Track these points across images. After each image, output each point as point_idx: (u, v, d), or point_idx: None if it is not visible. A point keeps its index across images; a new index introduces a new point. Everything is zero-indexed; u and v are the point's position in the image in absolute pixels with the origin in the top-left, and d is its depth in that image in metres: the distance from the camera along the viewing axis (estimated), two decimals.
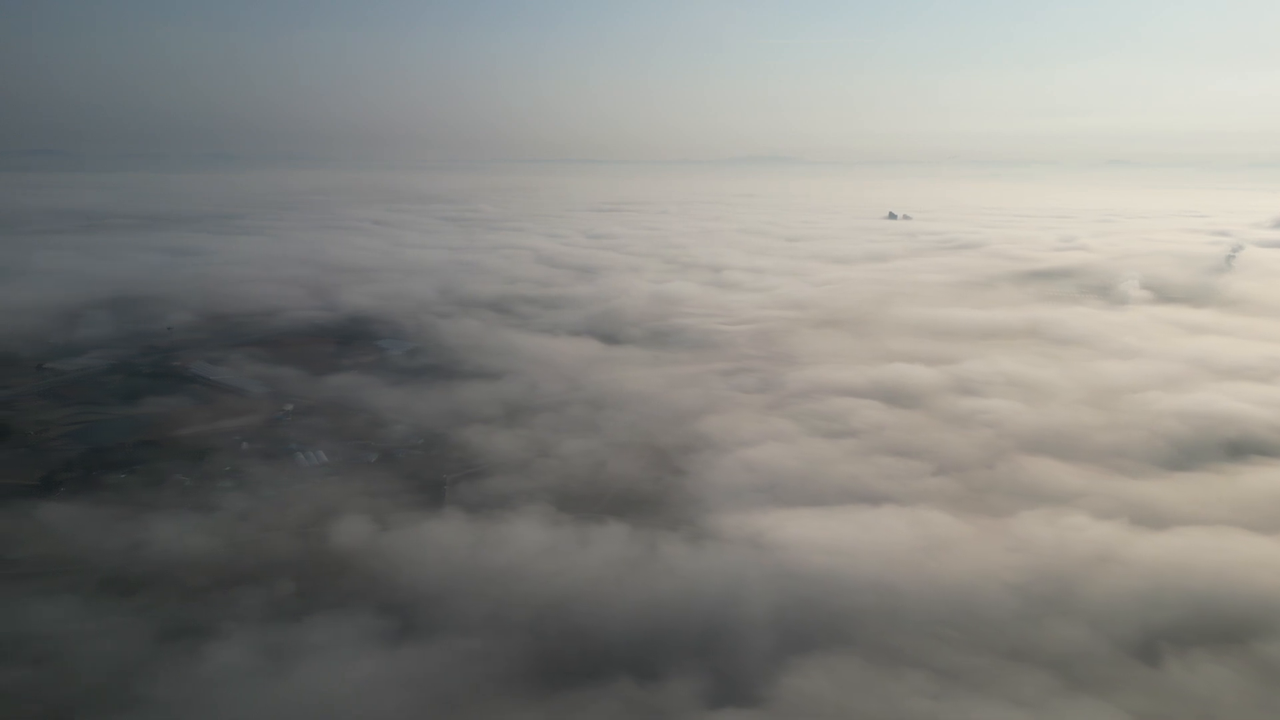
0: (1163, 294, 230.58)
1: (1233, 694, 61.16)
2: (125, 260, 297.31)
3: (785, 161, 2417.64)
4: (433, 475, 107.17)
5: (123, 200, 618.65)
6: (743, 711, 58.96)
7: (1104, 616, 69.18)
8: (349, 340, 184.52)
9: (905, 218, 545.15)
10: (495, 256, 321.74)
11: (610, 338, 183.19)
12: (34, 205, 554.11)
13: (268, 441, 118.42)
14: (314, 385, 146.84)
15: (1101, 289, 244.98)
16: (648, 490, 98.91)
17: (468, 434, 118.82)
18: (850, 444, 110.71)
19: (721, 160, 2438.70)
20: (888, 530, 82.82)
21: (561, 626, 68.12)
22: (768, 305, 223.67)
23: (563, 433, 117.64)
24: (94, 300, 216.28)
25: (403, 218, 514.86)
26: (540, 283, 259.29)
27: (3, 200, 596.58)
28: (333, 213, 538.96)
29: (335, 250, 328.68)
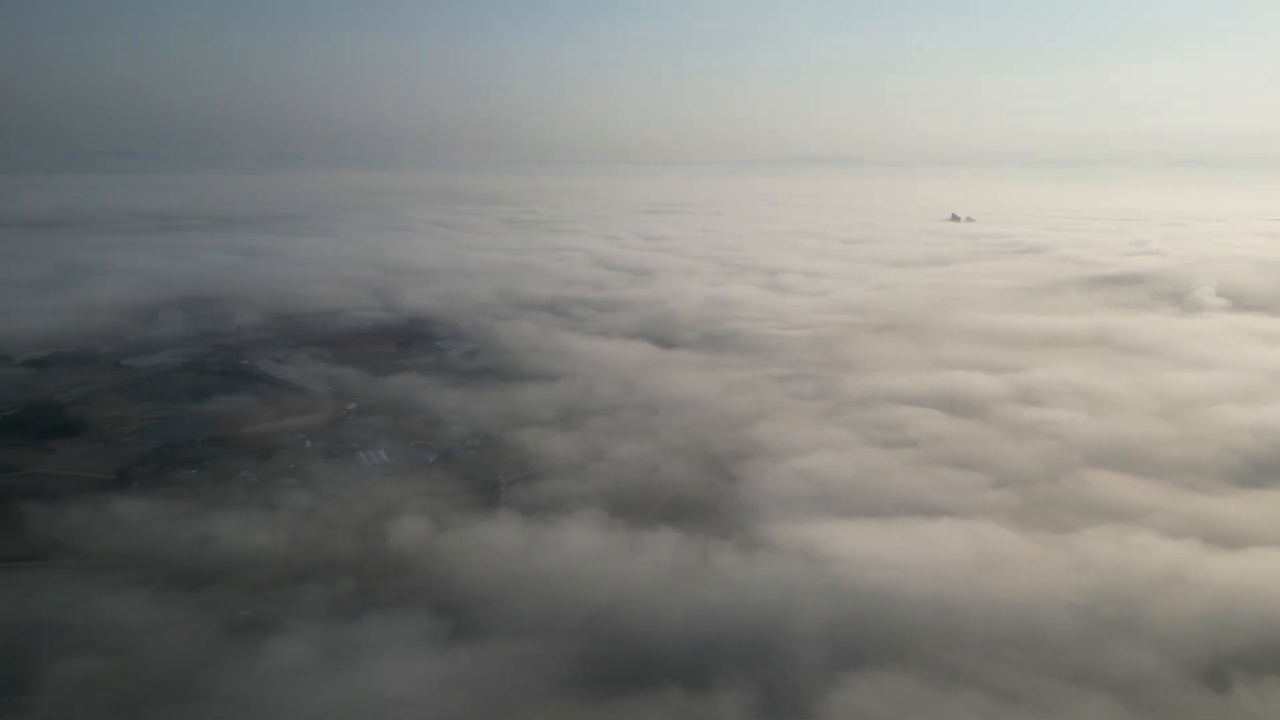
0: (1239, 301, 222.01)
1: None
2: (197, 260, 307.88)
3: (845, 162, 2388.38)
4: (489, 477, 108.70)
5: (196, 201, 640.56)
6: None
7: (1171, 640, 66.74)
8: (409, 341, 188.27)
9: (968, 220, 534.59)
10: (551, 258, 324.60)
11: (664, 341, 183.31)
12: (112, 206, 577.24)
13: (330, 440, 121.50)
14: (375, 385, 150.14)
15: (1174, 295, 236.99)
16: (700, 497, 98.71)
17: (523, 436, 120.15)
18: (907, 454, 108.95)
19: (780, 161, 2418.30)
20: (945, 544, 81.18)
21: (612, 633, 68.38)
22: (824, 309, 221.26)
23: (616, 437, 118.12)
24: (168, 299, 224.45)
25: (463, 219, 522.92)
26: (595, 285, 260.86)
27: (83, 201, 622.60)
28: (395, 214, 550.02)
29: (397, 251, 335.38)
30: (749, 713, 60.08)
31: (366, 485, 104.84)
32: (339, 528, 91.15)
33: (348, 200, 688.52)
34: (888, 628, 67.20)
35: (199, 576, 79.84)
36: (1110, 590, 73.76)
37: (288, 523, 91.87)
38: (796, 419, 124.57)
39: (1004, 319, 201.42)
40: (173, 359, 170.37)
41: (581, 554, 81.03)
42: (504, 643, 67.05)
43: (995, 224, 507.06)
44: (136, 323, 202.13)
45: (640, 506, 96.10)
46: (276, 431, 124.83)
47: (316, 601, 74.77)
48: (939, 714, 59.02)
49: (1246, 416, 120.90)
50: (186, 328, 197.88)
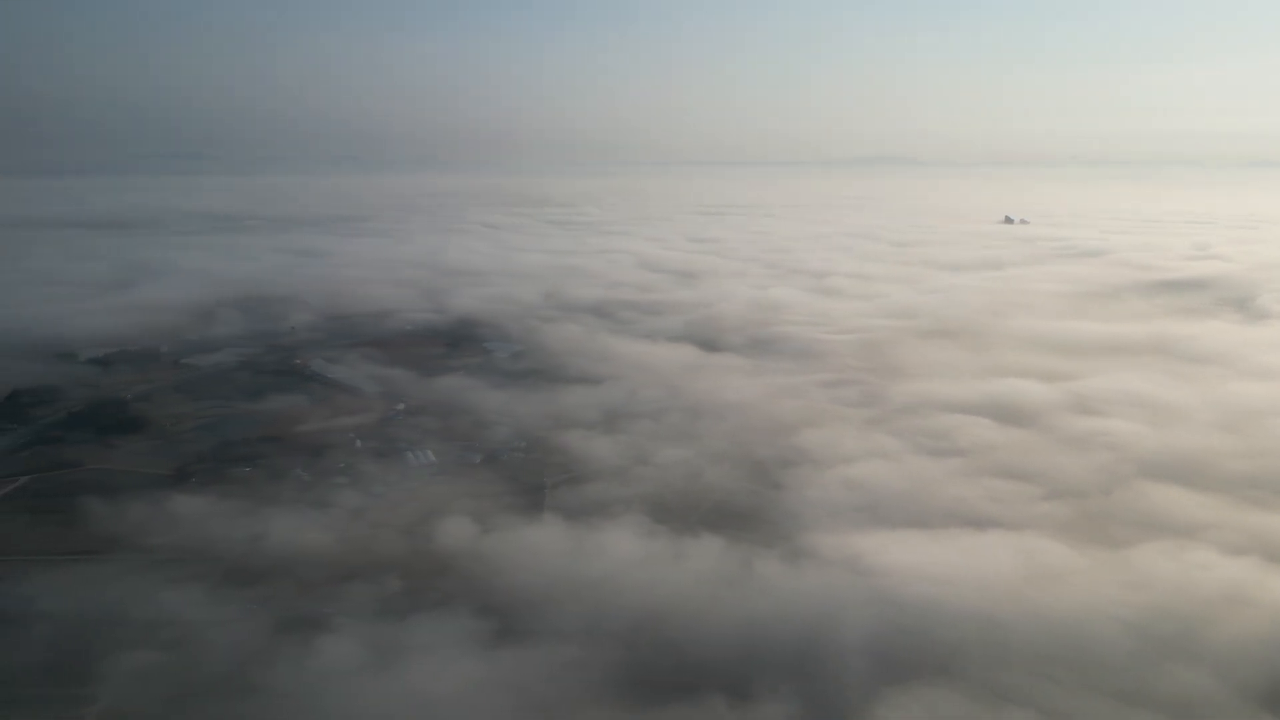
0: None
1: None
2: (256, 260, 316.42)
3: (898, 163, 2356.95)
4: (534, 479, 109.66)
5: (257, 202, 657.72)
6: None
7: (1230, 662, 64.62)
8: (457, 342, 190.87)
9: (1023, 222, 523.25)
10: (599, 260, 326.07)
11: (710, 344, 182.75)
12: (177, 207, 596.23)
13: (380, 440, 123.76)
14: (424, 385, 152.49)
15: (1239, 302, 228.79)
16: (744, 504, 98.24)
17: (568, 438, 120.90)
18: (957, 463, 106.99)
19: (831, 161, 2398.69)
20: (994, 557, 79.54)
21: (655, 639, 68.48)
22: (874, 314, 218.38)
23: (660, 441, 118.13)
24: (226, 299, 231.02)
25: (514, 221, 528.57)
26: (641, 287, 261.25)
27: (150, 202, 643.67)
28: (450, 216, 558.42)
29: (449, 253, 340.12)
30: None
31: (414, 485, 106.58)
32: (387, 527, 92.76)
33: (403, 202, 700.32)
34: (934, 643, 66.18)
35: (253, 573, 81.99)
36: (1166, 608, 71.56)
37: (338, 521, 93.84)
38: (843, 426, 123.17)
39: (1059, 325, 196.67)
40: (230, 358, 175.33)
41: (625, 559, 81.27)
42: (547, 646, 67.60)
43: (1052, 227, 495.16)
44: (196, 322, 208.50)
45: (683, 512, 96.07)
46: (328, 430, 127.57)
47: (365, 600, 76.24)
48: None
49: None
50: (243, 327, 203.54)
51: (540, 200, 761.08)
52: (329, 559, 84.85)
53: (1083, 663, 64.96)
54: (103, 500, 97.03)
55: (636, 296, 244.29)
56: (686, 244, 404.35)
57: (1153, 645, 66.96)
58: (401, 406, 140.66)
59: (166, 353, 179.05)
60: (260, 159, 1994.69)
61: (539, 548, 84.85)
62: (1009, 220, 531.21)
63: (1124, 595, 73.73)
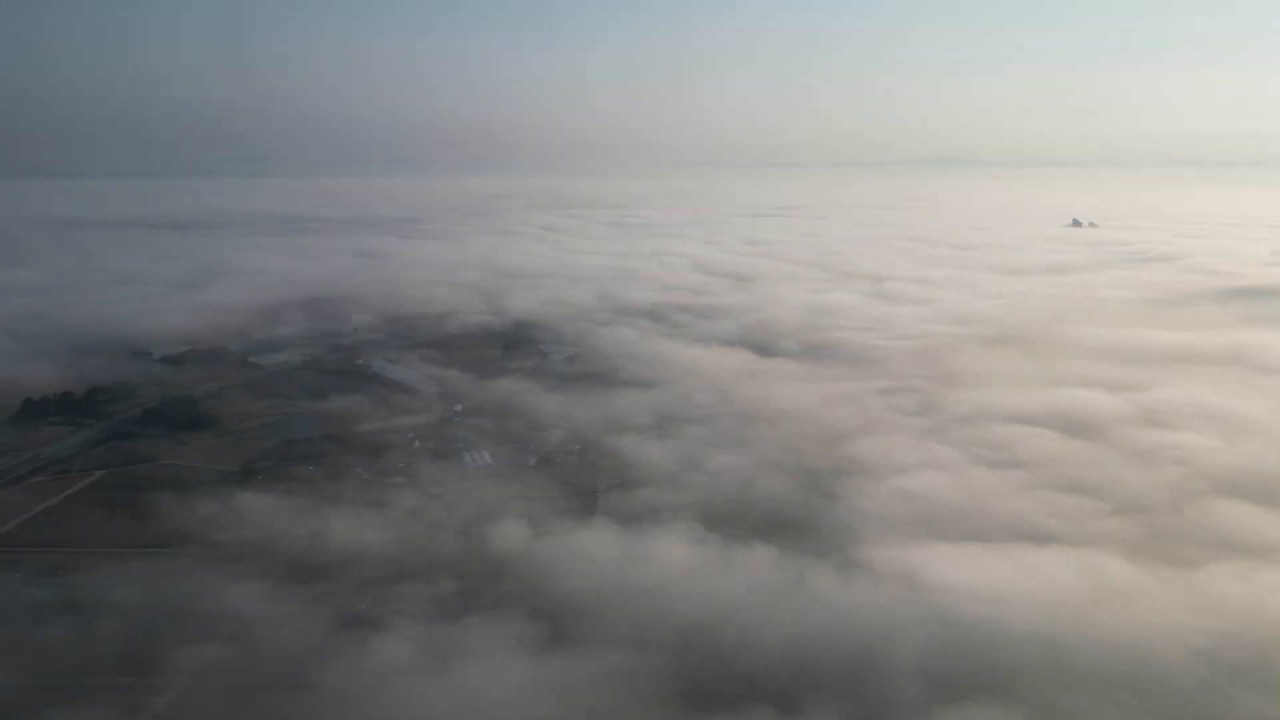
0: None
1: None
2: (320, 261, 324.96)
3: (959, 163, 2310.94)
4: (587, 482, 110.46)
5: (320, 204, 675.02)
6: None
7: None
8: (514, 344, 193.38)
9: (1090, 225, 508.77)
10: (653, 263, 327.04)
11: (763, 349, 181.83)
12: (247, 208, 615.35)
13: (438, 440, 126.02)
14: (481, 387, 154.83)
15: None
16: (796, 513, 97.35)
17: (621, 442, 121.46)
18: (1017, 476, 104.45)
19: (890, 162, 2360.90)
20: (1055, 575, 77.40)
21: (704, 649, 68.42)
22: (932, 319, 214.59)
23: (712, 446, 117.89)
24: (291, 299, 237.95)
25: (570, 223, 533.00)
26: (695, 291, 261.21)
27: (220, 203, 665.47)
28: (506, 218, 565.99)
29: (506, 255, 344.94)
30: None
31: (470, 486, 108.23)
32: (443, 528, 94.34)
33: (463, 204, 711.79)
34: (990, 663, 64.64)
35: (313, 569, 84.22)
36: (1238, 634, 68.77)
37: (396, 521, 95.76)
38: (899, 435, 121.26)
39: (1127, 333, 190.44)
40: (294, 357, 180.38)
41: (675, 567, 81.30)
42: (597, 654, 67.98)
43: (1121, 230, 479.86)
44: (262, 321, 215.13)
45: (735, 520, 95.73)
46: (387, 430, 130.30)
47: (420, 601, 77.71)
48: None
49: None
50: (307, 327, 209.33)
51: (594, 202, 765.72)
52: (386, 558, 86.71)
53: (1148, 689, 62.73)
54: (173, 495, 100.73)
55: (690, 300, 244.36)
56: (741, 246, 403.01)
57: (1223, 672, 64.48)
58: (459, 407, 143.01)
59: (234, 351, 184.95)
60: (322, 161, 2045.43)
61: (591, 553, 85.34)
62: (1076, 223, 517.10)
63: (1193, 619, 70.92)
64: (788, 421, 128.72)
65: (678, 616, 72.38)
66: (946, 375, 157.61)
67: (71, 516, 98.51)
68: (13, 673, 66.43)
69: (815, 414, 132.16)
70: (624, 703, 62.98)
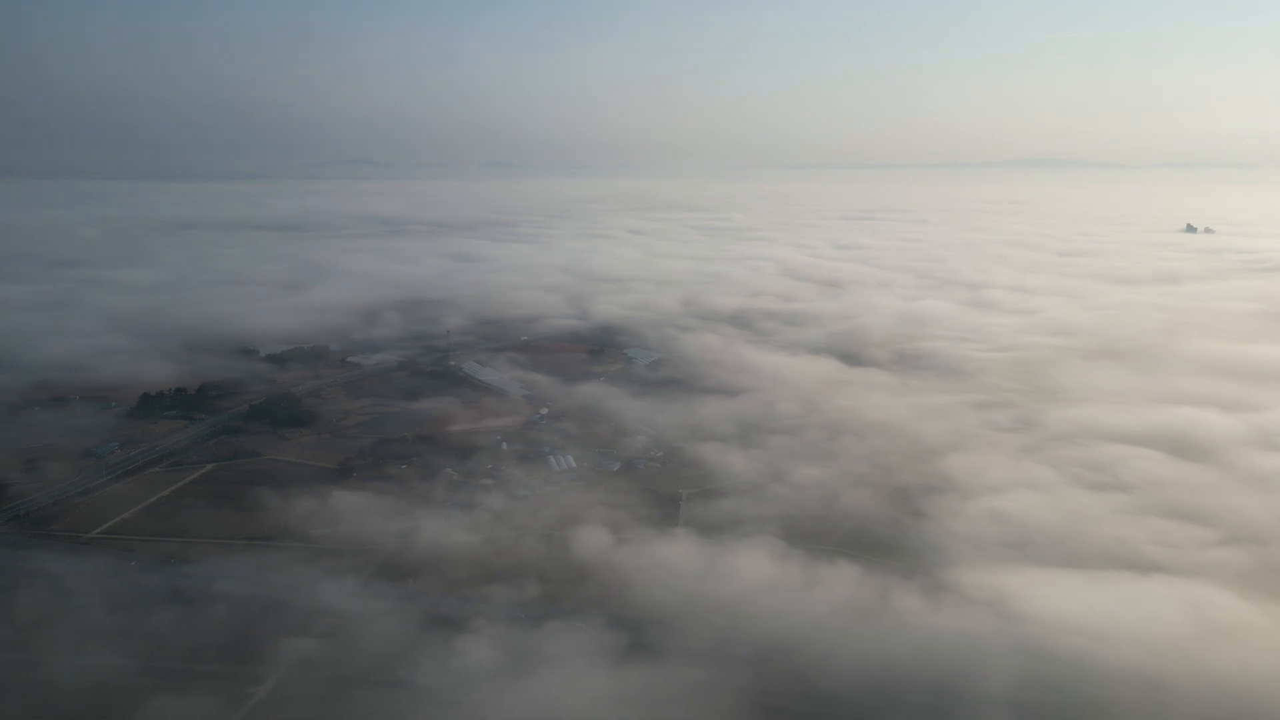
0: None
1: None
2: (416, 264, 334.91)
3: (1065, 165, 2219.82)
4: (669, 489, 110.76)
5: (417, 207, 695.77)
6: None
7: None
8: (599, 348, 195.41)
9: (1207, 231, 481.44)
10: (740, 267, 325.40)
11: (852, 358, 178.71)
12: (348, 211, 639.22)
13: (524, 443, 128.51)
14: (566, 390, 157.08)
15: None
16: (883, 531, 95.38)
17: (704, 451, 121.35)
18: (1120, 500, 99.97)
19: (991, 163, 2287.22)
20: (1157, 608, 73.55)
21: (783, 668, 67.73)
22: (1032, 330, 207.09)
23: (797, 458, 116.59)
24: (388, 301, 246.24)
25: (658, 226, 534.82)
26: (783, 296, 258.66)
27: (324, 206, 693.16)
28: (596, 221, 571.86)
29: (593, 259, 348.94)
30: None
31: (555, 490, 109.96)
32: (528, 532, 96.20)
33: (554, 207, 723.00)
34: (1083, 700, 61.94)
35: (403, 568, 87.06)
36: None
37: (483, 523, 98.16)
38: (993, 452, 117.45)
39: (1245, 349, 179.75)
40: (390, 358, 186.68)
41: (756, 581, 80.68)
42: (676, 666, 68.13)
43: (1241, 236, 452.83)
44: (361, 322, 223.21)
45: (818, 535, 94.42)
46: (476, 431, 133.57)
47: (503, 604, 79.36)
48: None
49: None
50: (403, 329, 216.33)
51: (682, 204, 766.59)
52: (473, 559, 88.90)
53: None
54: (275, 490, 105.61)
55: (777, 306, 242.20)
56: (830, 251, 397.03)
57: None
58: (545, 411, 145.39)
59: (334, 351, 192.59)
60: (420, 164, 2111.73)
61: (672, 563, 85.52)
62: (1191, 229, 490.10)
63: None
64: (876, 434, 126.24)
65: (758, 633, 71.91)
66: (1046, 390, 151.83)
67: (182, 507, 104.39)
68: (128, 656, 70.84)
69: (905, 427, 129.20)
70: (701, 718, 62.91)
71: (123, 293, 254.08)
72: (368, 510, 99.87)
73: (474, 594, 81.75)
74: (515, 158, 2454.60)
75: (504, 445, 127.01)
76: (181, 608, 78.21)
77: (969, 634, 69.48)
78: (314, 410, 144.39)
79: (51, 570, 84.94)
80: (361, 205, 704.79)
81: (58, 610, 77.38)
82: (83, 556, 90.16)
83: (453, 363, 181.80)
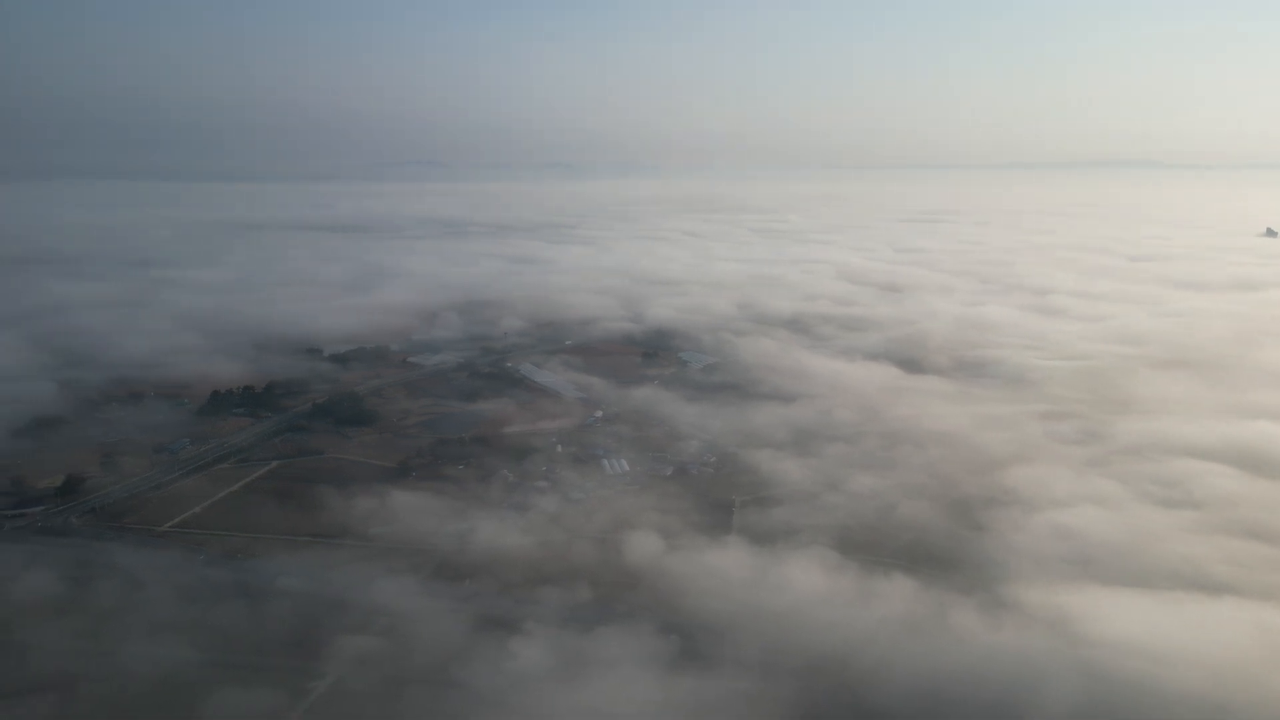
0: None
1: None
2: (475, 266, 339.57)
3: (1137, 165, 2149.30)
4: (722, 495, 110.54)
5: (478, 208, 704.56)
6: None
7: None
8: (654, 351, 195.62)
9: None
10: (797, 271, 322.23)
11: (912, 365, 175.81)
12: (410, 212, 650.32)
13: (579, 445, 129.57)
14: (621, 393, 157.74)
15: None
16: (940, 544, 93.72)
17: (758, 457, 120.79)
18: (1189, 517, 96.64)
19: (1058, 164, 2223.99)
20: (1227, 632, 71.06)
21: (834, 682, 67.19)
22: (1100, 338, 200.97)
23: (853, 467, 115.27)
24: (448, 302, 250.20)
25: (714, 228, 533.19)
26: (840, 300, 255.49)
27: (386, 207, 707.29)
28: (653, 223, 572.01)
29: (649, 261, 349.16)
30: None
31: (608, 493, 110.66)
32: (581, 535, 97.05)
33: (613, 209, 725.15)
34: None
35: (459, 569, 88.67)
36: None
37: (538, 525, 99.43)
38: (1058, 465, 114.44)
39: None
40: (449, 359, 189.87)
41: (809, 592, 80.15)
42: (725, 676, 68.10)
43: None
44: (421, 323, 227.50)
45: (873, 546, 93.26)
46: (532, 433, 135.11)
47: (556, 607, 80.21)
48: None
49: None
50: (462, 330, 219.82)
51: (740, 206, 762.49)
52: (527, 561, 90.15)
53: None
54: (336, 488, 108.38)
55: (835, 310, 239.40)
56: (891, 254, 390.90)
57: None
58: (599, 413, 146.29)
59: (395, 351, 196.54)
60: (482, 166, 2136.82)
61: (724, 570, 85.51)
62: (1271, 233, 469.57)
63: None
64: (935, 444, 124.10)
65: (809, 644, 71.45)
66: (1113, 401, 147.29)
67: (249, 504, 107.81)
68: (195, 648, 73.64)
69: (966, 437, 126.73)
70: None
71: (194, 292, 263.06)
72: (425, 510, 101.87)
73: (527, 596, 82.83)
74: (577, 159, 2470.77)
75: (559, 447, 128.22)
76: (247, 602, 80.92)
77: (1027, 653, 67.91)
78: (375, 410, 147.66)
79: (125, 563, 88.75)
80: (423, 206, 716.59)
81: (131, 602, 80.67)
82: (155, 550, 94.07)
83: (509, 364, 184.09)
